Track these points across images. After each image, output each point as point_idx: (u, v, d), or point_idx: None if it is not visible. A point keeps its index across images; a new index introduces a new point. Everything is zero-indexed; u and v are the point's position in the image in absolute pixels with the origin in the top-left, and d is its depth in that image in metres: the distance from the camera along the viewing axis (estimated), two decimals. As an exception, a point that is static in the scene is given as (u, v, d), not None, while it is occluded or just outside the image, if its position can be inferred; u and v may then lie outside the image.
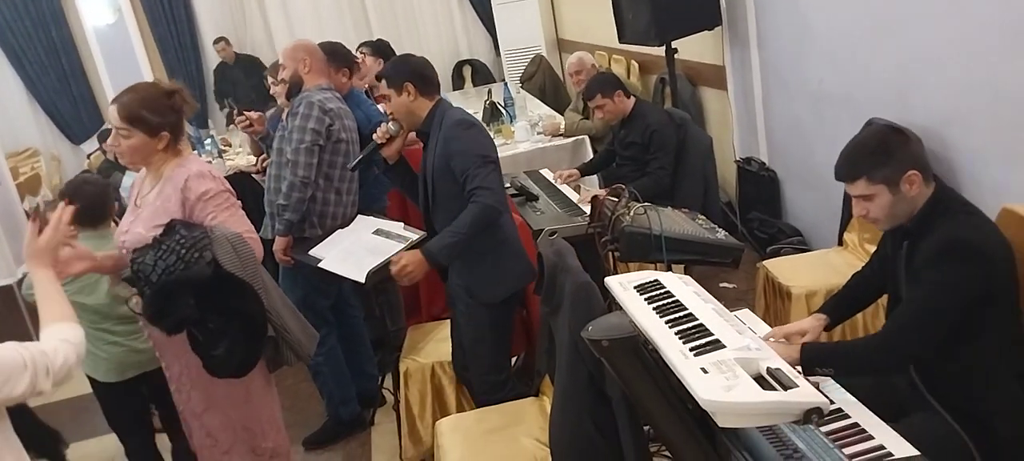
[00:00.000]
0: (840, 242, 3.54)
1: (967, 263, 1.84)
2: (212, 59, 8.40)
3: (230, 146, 6.31)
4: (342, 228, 3.13)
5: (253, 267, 2.37)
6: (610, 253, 2.97)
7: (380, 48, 4.40)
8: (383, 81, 2.66)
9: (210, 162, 5.71)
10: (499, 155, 2.71)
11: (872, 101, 3.43)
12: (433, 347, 3.16)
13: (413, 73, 2.62)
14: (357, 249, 2.89)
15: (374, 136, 2.68)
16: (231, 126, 5.96)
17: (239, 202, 2.49)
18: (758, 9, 4.29)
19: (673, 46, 4.69)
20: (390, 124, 2.67)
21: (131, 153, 2.41)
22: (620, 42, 5.14)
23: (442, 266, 2.59)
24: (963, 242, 1.86)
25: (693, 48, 4.88)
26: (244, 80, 7.97)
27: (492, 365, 2.80)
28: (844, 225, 3.53)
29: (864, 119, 3.40)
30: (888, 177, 1.93)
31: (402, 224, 3.06)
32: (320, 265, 2.91)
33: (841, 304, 2.31)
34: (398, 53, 3.86)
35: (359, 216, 3.22)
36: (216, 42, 8.07)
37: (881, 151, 1.96)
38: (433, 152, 2.61)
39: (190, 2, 8.26)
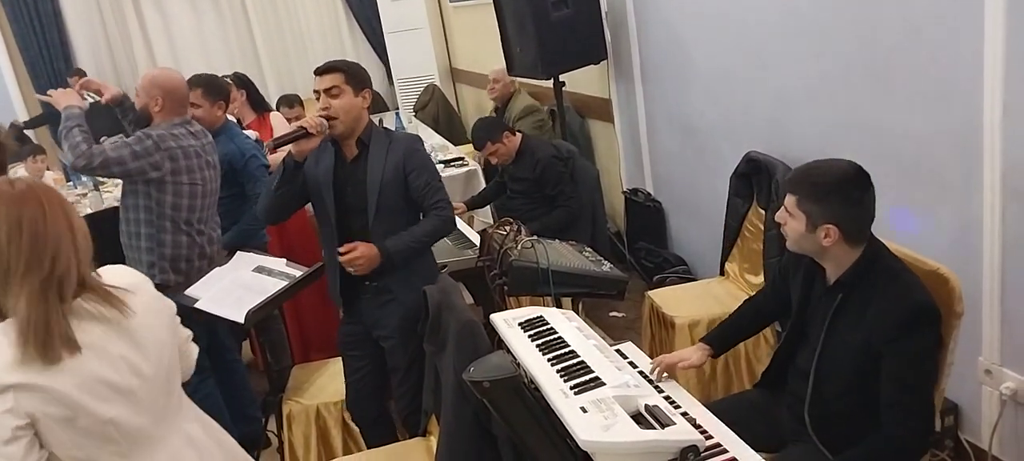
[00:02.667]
0: (722, 271, 3.65)
1: (934, 325, 1.87)
2: (89, 87, 7.92)
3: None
4: (206, 271, 2.98)
5: None
6: (500, 287, 2.96)
7: (241, 79, 4.57)
8: (335, 74, 2.62)
9: (85, 195, 5.40)
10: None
11: (750, 135, 3.57)
12: (318, 388, 3.06)
13: (369, 84, 2.72)
14: (236, 288, 2.78)
15: (305, 124, 2.62)
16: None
17: None
18: (641, 45, 4.42)
19: (561, 79, 4.76)
20: (323, 120, 2.61)
21: None
22: (509, 74, 5.19)
23: (393, 265, 2.63)
24: (925, 307, 1.86)
25: (581, 81, 4.98)
26: (103, 110, 7.53)
27: (420, 385, 2.76)
28: (725, 255, 3.64)
29: (743, 152, 3.53)
30: (810, 212, 1.93)
31: (284, 261, 2.97)
32: (197, 305, 2.77)
33: (728, 332, 2.34)
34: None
35: (239, 253, 3.08)
36: (70, 75, 7.51)
37: (821, 187, 1.93)
38: (383, 163, 2.66)
39: (65, 28, 7.80)
